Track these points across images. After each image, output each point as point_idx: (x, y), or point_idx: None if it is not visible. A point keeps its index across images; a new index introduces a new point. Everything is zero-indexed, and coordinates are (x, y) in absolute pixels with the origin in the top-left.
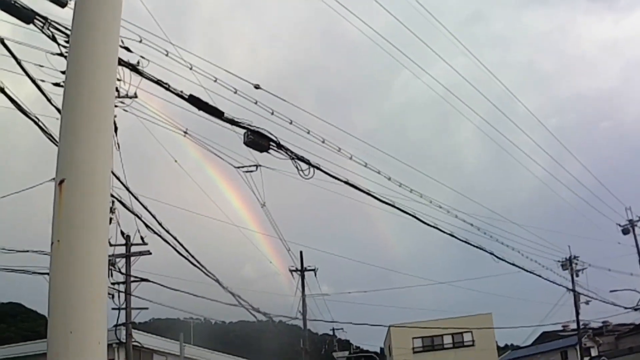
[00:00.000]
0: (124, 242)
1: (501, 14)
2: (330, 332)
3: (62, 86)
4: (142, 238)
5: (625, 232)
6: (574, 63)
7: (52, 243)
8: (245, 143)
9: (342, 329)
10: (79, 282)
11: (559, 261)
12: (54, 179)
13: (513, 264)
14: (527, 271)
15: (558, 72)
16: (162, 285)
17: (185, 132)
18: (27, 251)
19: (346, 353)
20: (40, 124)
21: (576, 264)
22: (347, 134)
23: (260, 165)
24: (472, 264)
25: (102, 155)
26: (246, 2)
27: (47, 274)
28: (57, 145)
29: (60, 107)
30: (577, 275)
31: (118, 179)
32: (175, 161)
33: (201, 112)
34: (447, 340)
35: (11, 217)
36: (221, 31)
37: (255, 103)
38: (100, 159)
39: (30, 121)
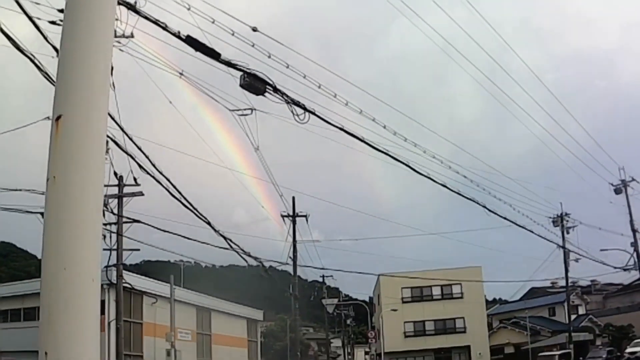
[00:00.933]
0: (116, 182)
1: None
2: (320, 280)
3: (58, 24)
4: (135, 179)
5: (617, 191)
6: (572, 20)
7: (47, 179)
8: (241, 85)
9: (331, 276)
10: (74, 218)
11: (550, 217)
12: (48, 117)
13: (505, 218)
14: (518, 225)
15: (556, 29)
16: (153, 226)
17: (181, 74)
18: (20, 190)
19: (335, 301)
20: (36, 61)
21: (567, 221)
22: (344, 79)
23: (255, 109)
24: (464, 216)
25: (99, 92)
26: None
27: (40, 213)
28: (52, 84)
29: (57, 45)
30: (568, 233)
31: (113, 118)
32: (170, 102)
33: (198, 54)
34: (436, 291)
35: (5, 156)
36: None
37: (253, 46)
38: (98, 96)
39: (26, 59)
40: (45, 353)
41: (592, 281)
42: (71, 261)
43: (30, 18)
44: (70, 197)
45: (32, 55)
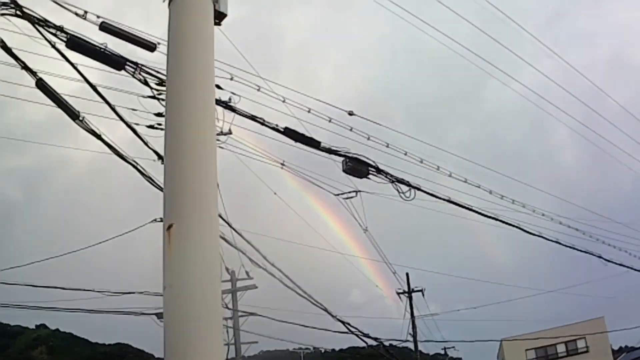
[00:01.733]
0: (229, 277)
1: (581, 10)
2: (442, 352)
3: (156, 128)
4: (247, 272)
5: None
6: None
7: (164, 288)
8: (344, 171)
9: (453, 347)
10: (194, 326)
11: None
12: (155, 219)
13: (621, 265)
14: (636, 270)
15: None
16: (269, 317)
17: (283, 164)
18: (133, 292)
19: None
20: (139, 167)
21: None
22: (445, 151)
23: (359, 191)
24: (579, 268)
25: (207, 197)
26: (330, 27)
27: (155, 314)
28: (154, 186)
29: (156, 149)
30: None
31: (220, 216)
32: (275, 193)
33: (298, 144)
34: (561, 349)
35: (116, 259)
36: (308, 58)
37: (351, 130)
38: (206, 201)
39: (126, 164)
40: None
41: None
42: None
43: (129, 126)
44: (189, 305)
45: (134, 161)
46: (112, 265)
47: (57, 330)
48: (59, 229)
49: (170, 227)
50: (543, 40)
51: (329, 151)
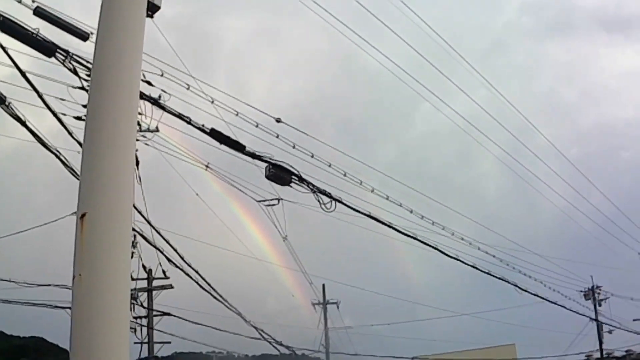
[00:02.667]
0: (145, 275)
1: (522, 45)
2: None
3: (83, 120)
4: (164, 272)
5: None
6: (594, 93)
7: (73, 277)
8: (267, 177)
9: None
10: (101, 316)
11: (581, 291)
12: (75, 212)
13: (536, 295)
14: (550, 302)
15: (579, 102)
16: (184, 319)
17: (207, 166)
18: (49, 285)
19: None
20: (61, 157)
21: (599, 293)
22: (369, 166)
23: (281, 199)
24: (495, 295)
25: (123, 189)
26: (267, 35)
27: (69, 308)
28: (78, 179)
29: (81, 140)
30: (600, 305)
31: (140, 212)
32: (197, 194)
33: (223, 146)
34: None
35: (33, 251)
36: (242, 64)
37: (277, 137)
38: (122, 192)
39: (51, 154)
40: None
41: (627, 351)
42: (99, 359)
43: (55, 114)
44: (97, 295)
45: (57, 151)
46: (33, 256)
47: None
48: None
49: (83, 215)
50: (480, 71)
51: (253, 156)
